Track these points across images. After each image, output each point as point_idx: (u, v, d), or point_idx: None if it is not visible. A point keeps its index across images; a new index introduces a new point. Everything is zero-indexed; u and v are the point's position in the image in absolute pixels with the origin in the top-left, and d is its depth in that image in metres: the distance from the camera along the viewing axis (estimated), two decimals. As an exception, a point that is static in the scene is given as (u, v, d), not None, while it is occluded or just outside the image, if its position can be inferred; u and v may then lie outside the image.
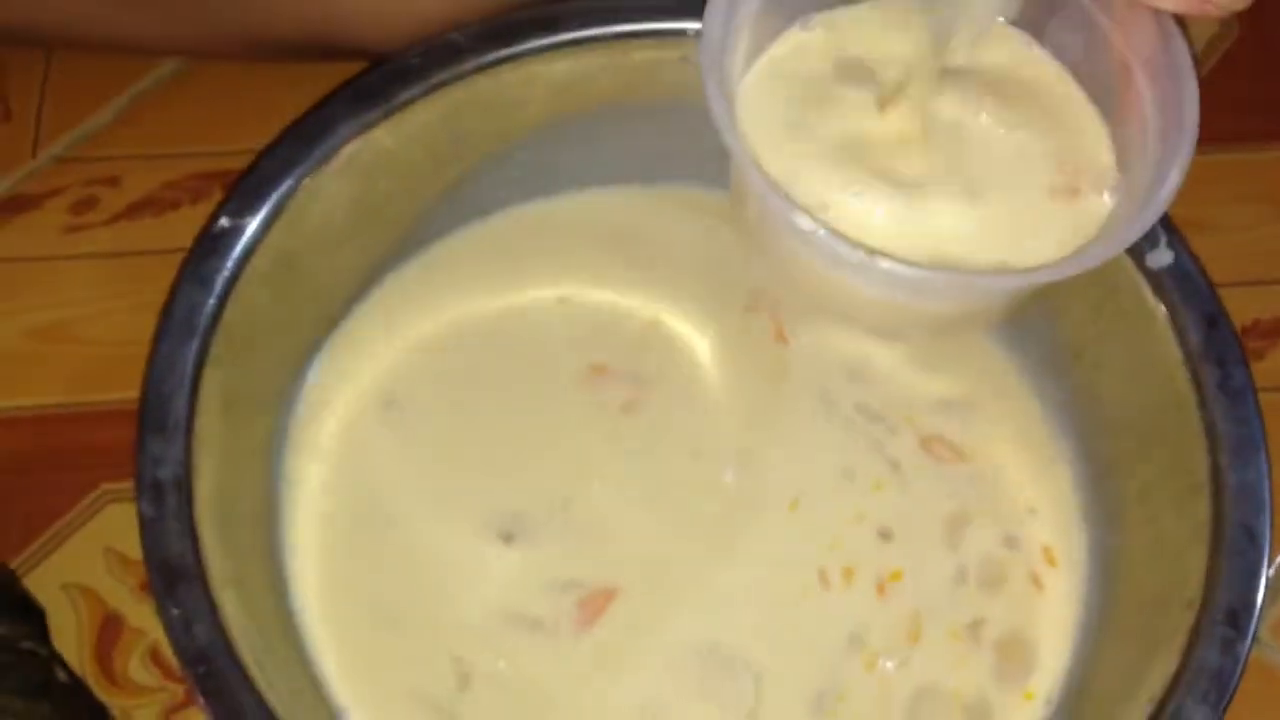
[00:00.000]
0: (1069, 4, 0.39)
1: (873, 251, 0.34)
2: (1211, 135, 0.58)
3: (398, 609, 0.43)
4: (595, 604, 0.43)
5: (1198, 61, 0.37)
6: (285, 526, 0.43)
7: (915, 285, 0.36)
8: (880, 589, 0.44)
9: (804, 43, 0.38)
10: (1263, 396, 0.42)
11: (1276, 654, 0.48)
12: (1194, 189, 0.56)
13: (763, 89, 0.37)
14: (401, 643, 0.43)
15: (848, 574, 0.44)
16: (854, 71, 0.38)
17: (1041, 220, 0.37)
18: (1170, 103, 0.37)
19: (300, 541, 0.44)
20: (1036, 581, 0.44)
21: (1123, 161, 0.38)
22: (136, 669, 0.46)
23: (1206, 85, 0.60)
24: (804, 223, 0.34)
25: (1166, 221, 0.43)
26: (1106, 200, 0.37)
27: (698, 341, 0.48)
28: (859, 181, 0.36)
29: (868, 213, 0.35)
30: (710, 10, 0.36)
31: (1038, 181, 0.37)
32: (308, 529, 0.44)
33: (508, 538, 0.44)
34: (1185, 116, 0.36)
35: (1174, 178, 0.35)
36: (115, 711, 0.44)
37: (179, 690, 0.46)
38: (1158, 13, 0.36)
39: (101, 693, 0.45)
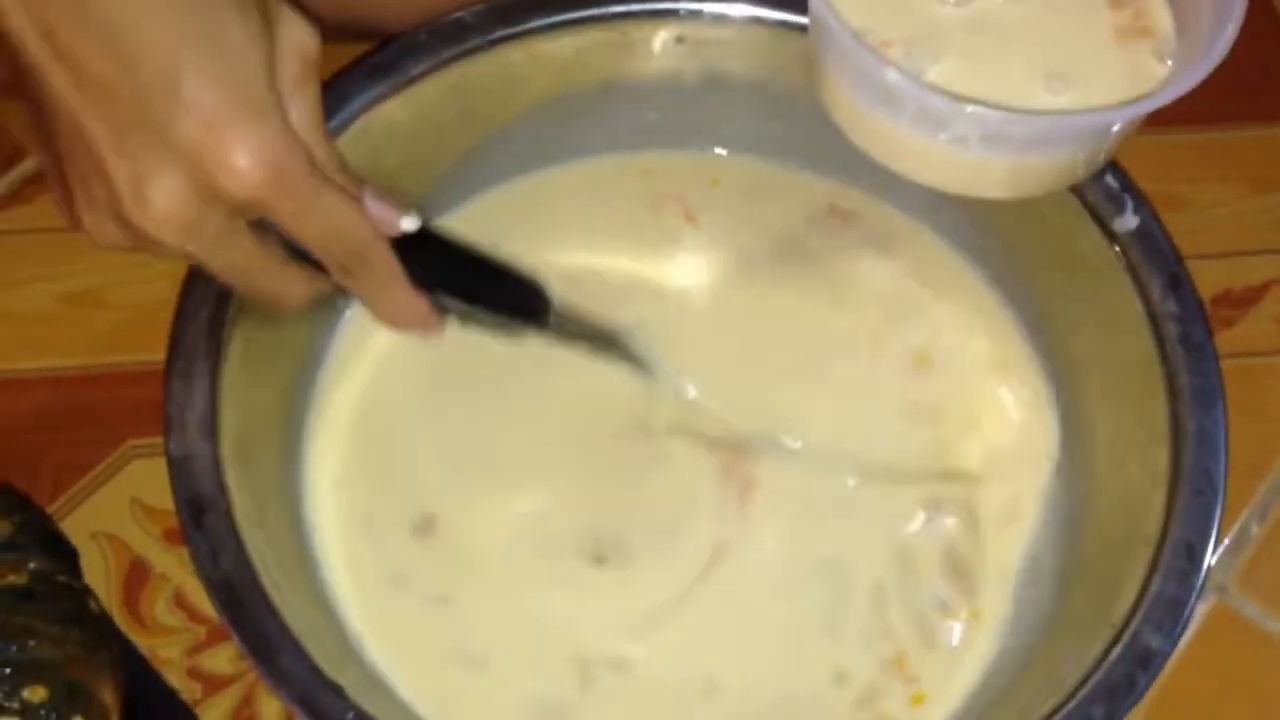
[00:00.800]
0: None
1: (958, 98, 0.37)
2: (1190, 116, 0.61)
3: (409, 553, 0.46)
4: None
5: None
6: (305, 471, 0.46)
7: (1000, 133, 0.38)
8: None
9: None
10: (1233, 362, 0.45)
11: (1246, 605, 0.51)
12: (1172, 166, 0.60)
13: None
14: (414, 580, 0.45)
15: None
16: None
17: (1110, 68, 0.39)
18: None
19: (318, 486, 0.46)
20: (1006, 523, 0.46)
21: (1181, 33, 0.40)
22: (162, 611, 0.49)
23: None
24: (892, 75, 0.37)
25: (1132, 190, 0.46)
26: (1168, 64, 0.40)
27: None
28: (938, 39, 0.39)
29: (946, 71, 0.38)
30: None
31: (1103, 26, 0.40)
32: (325, 477, 0.47)
33: (517, 487, 0.47)
34: None
35: (1230, 30, 0.37)
36: (143, 649, 0.47)
37: (201, 631, 0.48)
38: None
39: (129, 632, 0.48)
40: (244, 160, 0.34)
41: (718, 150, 0.53)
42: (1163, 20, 0.41)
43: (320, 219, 0.37)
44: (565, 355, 0.46)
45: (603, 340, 0.47)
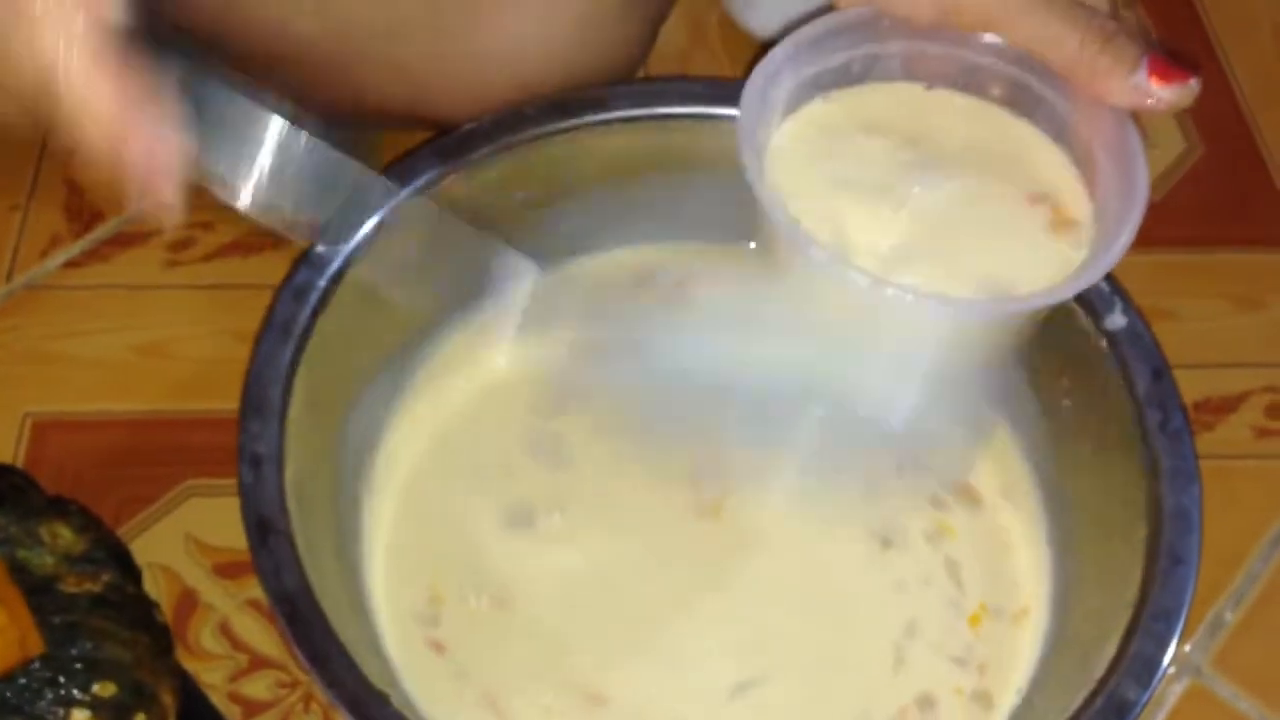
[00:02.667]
0: (1044, 102, 0.47)
1: (878, 279, 0.41)
2: (1177, 238, 0.67)
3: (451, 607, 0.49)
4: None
5: (1148, 145, 0.45)
6: (361, 516, 0.50)
7: (917, 311, 0.42)
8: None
9: (826, 110, 0.46)
10: (1211, 463, 0.48)
11: (1220, 687, 0.54)
12: (1160, 283, 0.65)
13: (790, 144, 0.45)
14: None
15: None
16: (870, 126, 0.46)
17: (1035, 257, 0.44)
18: (1126, 175, 0.44)
19: (372, 538, 0.50)
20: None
21: (1097, 225, 0.45)
22: (208, 639, 0.52)
23: (1173, 195, 0.69)
24: (816, 253, 0.41)
25: (1123, 294, 0.50)
26: (1083, 253, 0.45)
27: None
28: (873, 216, 0.43)
29: (878, 245, 0.43)
30: (748, 89, 0.44)
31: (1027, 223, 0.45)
32: (379, 533, 0.51)
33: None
34: (1137, 186, 0.44)
35: (1127, 233, 0.43)
36: (189, 673, 0.51)
37: (244, 659, 0.52)
38: (1114, 108, 0.44)
39: (177, 658, 0.51)
40: None
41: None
42: (1083, 210, 0.45)
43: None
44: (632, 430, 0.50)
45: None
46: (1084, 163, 0.46)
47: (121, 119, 0.37)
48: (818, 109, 0.46)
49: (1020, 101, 0.47)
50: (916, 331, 0.44)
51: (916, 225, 0.44)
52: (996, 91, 0.47)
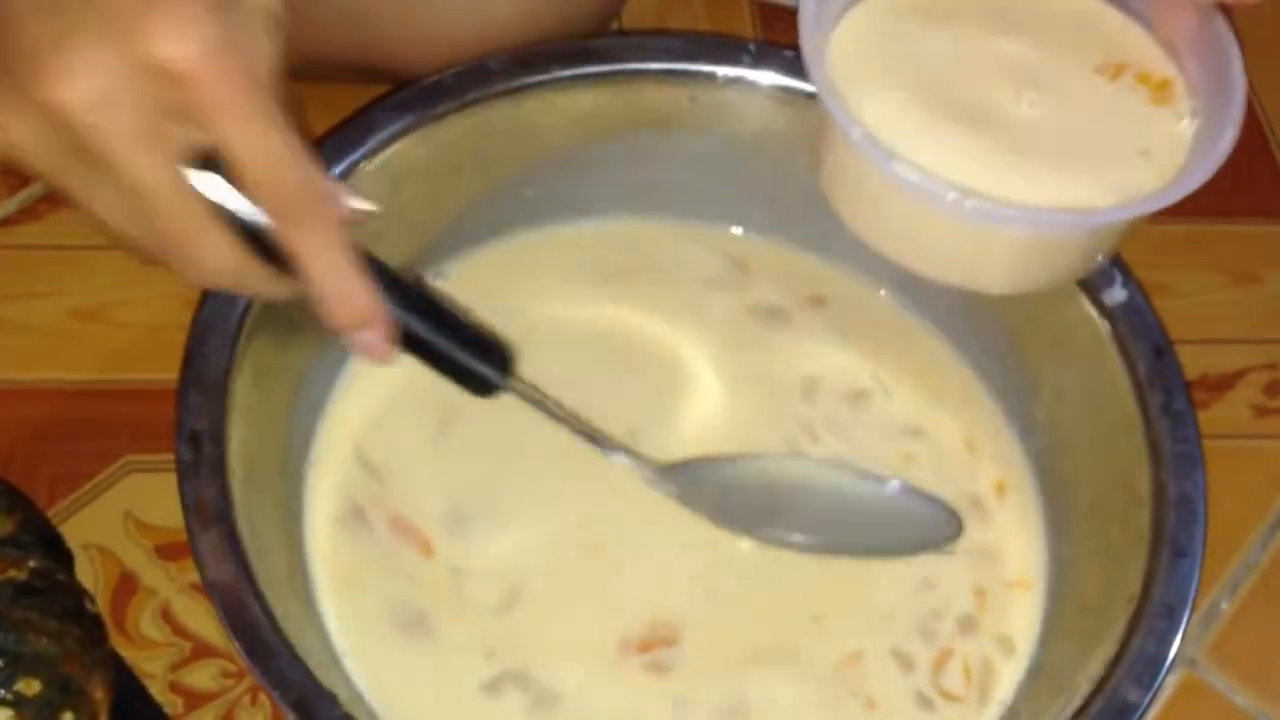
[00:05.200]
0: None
1: (964, 193, 0.38)
2: (1172, 210, 0.63)
3: (409, 602, 0.46)
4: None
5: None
6: (305, 494, 0.47)
7: (1003, 226, 0.39)
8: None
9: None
10: (1206, 444, 0.46)
11: (1215, 679, 0.52)
12: (1155, 256, 0.62)
13: (854, 35, 0.42)
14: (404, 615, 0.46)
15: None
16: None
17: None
18: (1218, 74, 0.41)
19: (315, 511, 0.47)
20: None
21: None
22: (148, 625, 0.49)
23: None
24: (901, 170, 0.38)
25: (1121, 264, 0.48)
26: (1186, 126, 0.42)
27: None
28: (951, 125, 0.40)
29: (955, 154, 0.39)
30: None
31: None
32: (324, 504, 0.47)
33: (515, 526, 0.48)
34: (1233, 84, 0.40)
35: (1229, 134, 0.40)
36: (127, 662, 0.47)
37: (186, 646, 0.49)
38: (1195, 2, 0.41)
39: (115, 645, 0.48)
40: (186, 31, 0.30)
41: (733, 229, 0.55)
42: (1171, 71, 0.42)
43: (262, 139, 0.32)
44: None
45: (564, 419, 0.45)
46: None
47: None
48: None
49: None
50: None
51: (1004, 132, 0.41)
52: None
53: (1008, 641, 0.46)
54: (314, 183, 0.34)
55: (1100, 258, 0.44)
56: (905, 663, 0.46)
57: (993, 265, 0.42)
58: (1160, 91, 0.42)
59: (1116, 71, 0.43)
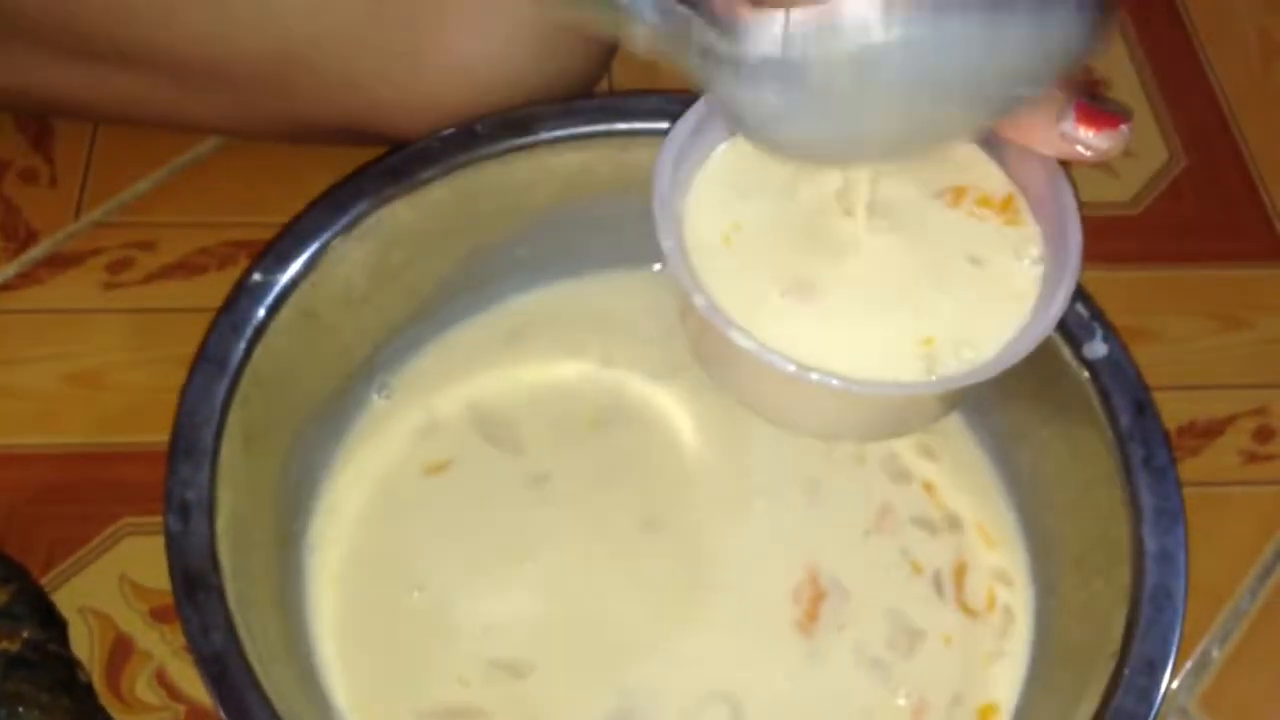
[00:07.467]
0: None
1: (803, 367, 0.39)
2: (1158, 254, 0.64)
3: (407, 657, 0.47)
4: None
5: (1081, 203, 0.42)
6: (304, 559, 0.47)
7: (846, 396, 0.40)
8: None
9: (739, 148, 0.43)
10: (1196, 490, 0.46)
11: (1204, 727, 0.52)
12: (1141, 301, 0.62)
13: (704, 198, 0.43)
14: (408, 685, 0.46)
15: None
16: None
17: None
18: (1059, 233, 0.42)
19: (317, 579, 0.48)
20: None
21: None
22: (143, 689, 0.49)
23: (1155, 209, 0.67)
24: (739, 339, 0.39)
25: (1102, 319, 0.48)
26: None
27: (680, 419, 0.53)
28: (792, 292, 0.41)
29: (799, 324, 0.40)
30: (660, 159, 0.42)
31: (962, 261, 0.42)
32: (325, 572, 0.48)
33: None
34: (1070, 248, 0.41)
35: (1060, 300, 0.41)
36: (122, 726, 0.48)
37: (180, 710, 0.49)
38: (1044, 159, 0.42)
39: (110, 708, 0.48)
40: None
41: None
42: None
43: None
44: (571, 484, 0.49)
45: None
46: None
47: None
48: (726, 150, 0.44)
49: None
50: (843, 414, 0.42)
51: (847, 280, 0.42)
52: None
53: (992, 709, 0.47)
54: None
55: (965, 401, 0.45)
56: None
57: (849, 421, 0.43)
58: (1006, 211, 0.43)
59: (957, 197, 0.43)
